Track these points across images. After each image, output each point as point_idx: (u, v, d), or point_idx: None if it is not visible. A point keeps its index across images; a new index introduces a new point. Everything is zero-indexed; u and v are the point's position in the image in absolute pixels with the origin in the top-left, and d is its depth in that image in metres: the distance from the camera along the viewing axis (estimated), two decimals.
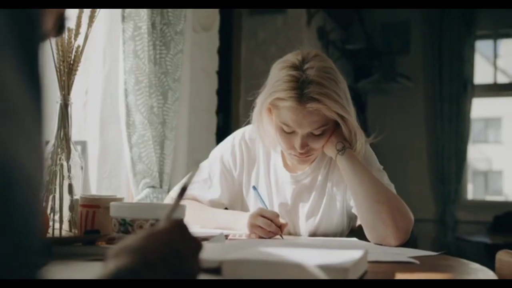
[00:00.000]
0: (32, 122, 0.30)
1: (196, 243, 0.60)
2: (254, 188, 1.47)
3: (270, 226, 1.29)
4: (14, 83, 0.28)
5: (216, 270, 0.76)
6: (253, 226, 1.31)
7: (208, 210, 1.49)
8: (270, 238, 1.30)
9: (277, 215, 1.32)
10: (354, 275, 0.76)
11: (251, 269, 0.74)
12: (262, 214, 1.31)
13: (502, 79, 5.12)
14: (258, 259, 0.76)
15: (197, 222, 1.42)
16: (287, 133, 1.35)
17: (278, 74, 1.33)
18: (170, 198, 1.59)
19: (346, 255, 0.81)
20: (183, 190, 0.68)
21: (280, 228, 1.30)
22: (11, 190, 0.27)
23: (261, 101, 1.37)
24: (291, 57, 1.34)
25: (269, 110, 1.39)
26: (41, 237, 0.30)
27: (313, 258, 0.76)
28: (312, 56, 1.33)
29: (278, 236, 1.30)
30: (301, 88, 1.28)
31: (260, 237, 1.31)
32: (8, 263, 0.26)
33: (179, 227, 0.60)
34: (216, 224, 1.42)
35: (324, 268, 0.70)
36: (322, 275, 0.68)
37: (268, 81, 1.37)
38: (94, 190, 2.08)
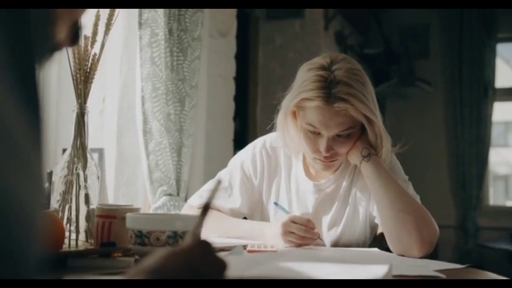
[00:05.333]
0: (31, 149, 0.27)
1: (219, 262, 0.57)
2: (276, 203, 1.45)
3: (306, 232, 1.29)
4: (10, 108, 0.26)
5: None
6: (286, 234, 1.29)
7: (230, 221, 1.46)
8: (306, 244, 1.30)
9: (309, 220, 1.32)
10: None
11: None
12: (293, 220, 1.30)
13: None
14: (279, 275, 0.73)
15: (219, 233, 1.39)
16: (313, 135, 1.32)
17: (305, 75, 1.32)
18: (188, 206, 1.57)
19: (371, 271, 0.77)
20: (207, 206, 0.65)
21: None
22: (4, 221, 0.25)
23: (287, 103, 1.35)
24: (319, 60, 1.34)
25: (294, 114, 1.37)
26: (37, 269, 0.28)
27: (336, 275, 0.73)
28: (340, 59, 1.32)
29: (318, 240, 1.33)
30: (329, 88, 1.26)
31: (298, 245, 1.30)
32: None
33: (202, 246, 0.58)
34: (239, 234, 1.40)
35: None
36: None
37: (294, 83, 1.35)
38: (111, 198, 2.07)
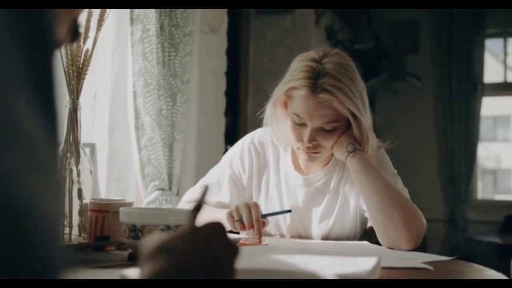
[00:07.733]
0: (49, 156, 0.28)
1: (233, 248, 0.56)
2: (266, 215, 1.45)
3: (236, 214, 1.30)
4: (29, 116, 0.27)
5: None
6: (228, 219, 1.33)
7: (210, 211, 1.47)
8: (245, 228, 1.30)
9: (247, 204, 1.32)
10: None
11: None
12: (236, 206, 1.33)
13: None
14: (271, 268, 0.74)
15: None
16: (298, 125, 1.34)
17: (296, 65, 1.35)
18: (183, 203, 1.58)
19: (361, 263, 0.79)
20: (199, 207, 0.63)
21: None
22: (31, 226, 0.26)
23: (277, 91, 1.37)
24: (313, 52, 1.36)
25: (285, 105, 1.39)
26: (63, 271, 0.29)
27: (327, 267, 0.75)
28: (333, 53, 1.35)
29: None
30: (316, 79, 1.29)
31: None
32: None
33: (218, 230, 0.56)
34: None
35: (340, 277, 0.69)
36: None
37: (286, 73, 1.38)
38: (103, 193, 2.08)
